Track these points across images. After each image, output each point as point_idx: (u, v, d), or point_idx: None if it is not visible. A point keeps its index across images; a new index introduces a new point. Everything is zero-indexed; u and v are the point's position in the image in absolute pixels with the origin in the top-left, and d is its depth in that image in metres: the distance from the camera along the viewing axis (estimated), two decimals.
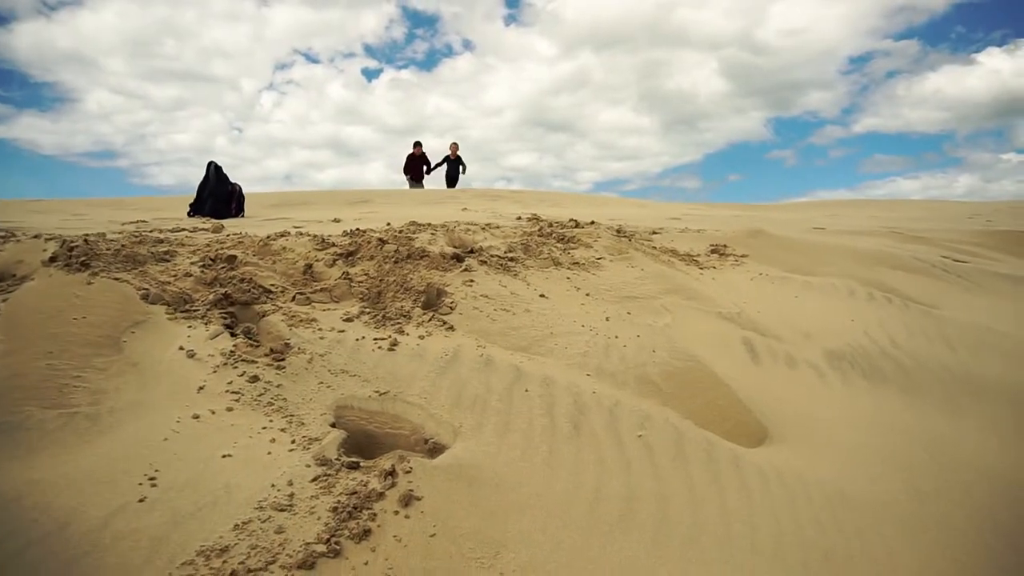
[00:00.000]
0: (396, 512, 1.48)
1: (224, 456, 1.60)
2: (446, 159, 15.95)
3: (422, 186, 15.72)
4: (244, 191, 7.38)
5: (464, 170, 16.02)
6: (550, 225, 4.29)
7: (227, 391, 1.88)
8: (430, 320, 2.55)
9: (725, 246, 4.46)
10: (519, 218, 5.34)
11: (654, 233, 4.72)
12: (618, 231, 4.27)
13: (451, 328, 2.52)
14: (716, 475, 1.88)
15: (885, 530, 1.84)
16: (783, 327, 3.12)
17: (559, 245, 3.63)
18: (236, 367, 2.00)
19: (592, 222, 4.51)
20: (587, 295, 3.04)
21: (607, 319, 2.78)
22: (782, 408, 2.41)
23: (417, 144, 15.51)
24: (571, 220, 4.54)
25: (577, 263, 3.39)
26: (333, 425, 1.84)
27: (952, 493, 2.08)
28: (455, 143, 16.15)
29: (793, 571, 1.61)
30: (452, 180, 16.25)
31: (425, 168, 15.59)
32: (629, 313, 2.92)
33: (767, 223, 6.70)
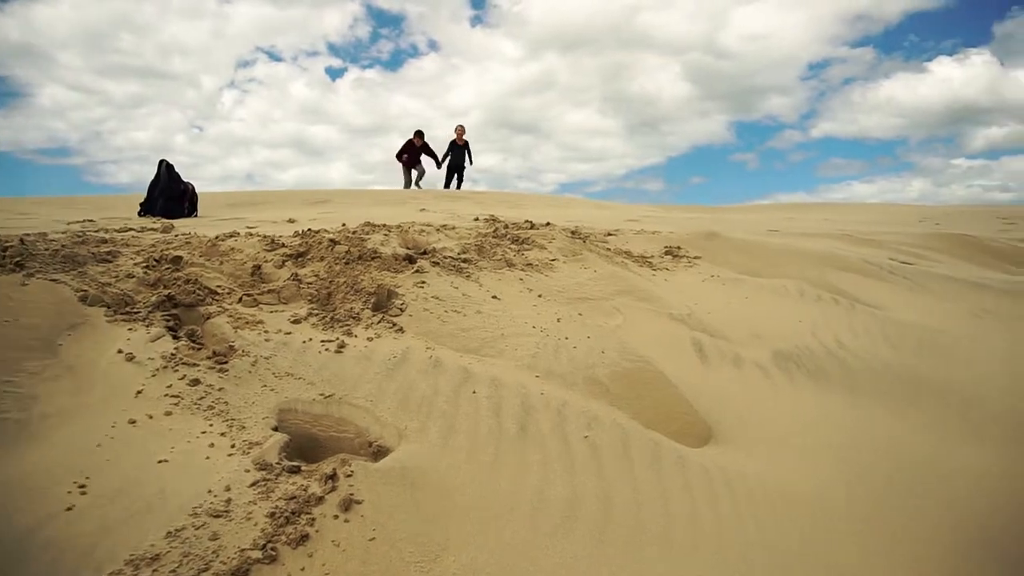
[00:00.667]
0: (336, 516, 1.47)
1: (160, 462, 1.57)
2: (452, 146, 14.14)
3: (420, 168, 14.22)
4: (198, 190, 7.24)
5: (471, 160, 14.28)
6: (505, 227, 4.29)
7: (166, 395, 1.84)
8: (379, 322, 2.53)
9: (679, 248, 4.52)
10: (477, 219, 5.33)
11: (609, 235, 4.76)
12: (573, 233, 4.30)
13: (401, 330, 2.51)
14: (660, 475, 1.90)
15: (824, 527, 1.88)
16: (732, 328, 3.18)
17: (513, 246, 3.64)
18: (177, 370, 1.95)
19: (547, 223, 4.53)
20: (539, 296, 3.05)
21: (558, 320, 2.80)
22: (728, 408, 2.45)
23: (419, 134, 14.01)
24: (526, 221, 4.55)
25: (531, 264, 3.40)
26: (276, 429, 1.81)
27: (890, 489, 2.13)
28: (461, 126, 14.19)
29: (734, 569, 1.64)
30: (457, 170, 14.34)
31: (434, 160, 14.08)
32: (580, 314, 2.94)
33: (722, 225, 6.82)
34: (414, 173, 14.65)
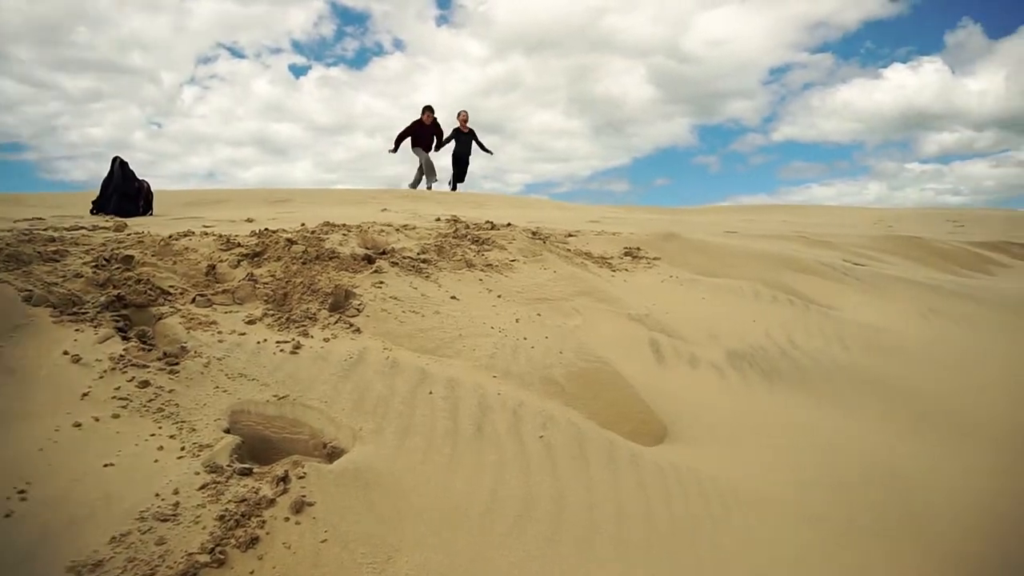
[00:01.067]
0: (287, 519, 1.45)
1: (106, 466, 1.53)
2: (455, 133, 12.38)
3: (429, 169, 12.20)
4: (156, 188, 7.08)
5: (484, 148, 12.63)
6: (466, 227, 4.29)
7: (114, 397, 1.80)
8: (336, 322, 2.51)
9: (638, 248, 4.57)
10: (438, 219, 5.31)
11: (570, 235, 4.79)
12: (534, 233, 4.32)
13: (358, 330, 2.49)
14: (615, 474, 1.92)
15: (772, 522, 1.92)
16: (689, 328, 3.22)
17: (473, 247, 3.64)
18: (125, 372, 1.91)
19: (508, 224, 4.54)
20: (499, 297, 3.05)
21: (517, 321, 2.81)
22: (683, 407, 2.48)
23: (428, 109, 11.98)
24: (487, 222, 4.56)
25: (490, 265, 3.40)
26: (228, 431, 1.79)
27: (838, 485, 2.19)
28: (464, 111, 12.44)
29: (685, 566, 1.67)
30: (462, 163, 12.66)
31: (436, 142, 12.24)
32: (539, 315, 2.95)
33: (682, 227, 6.90)
34: (419, 158, 12.43)
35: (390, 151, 12.32)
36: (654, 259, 4.43)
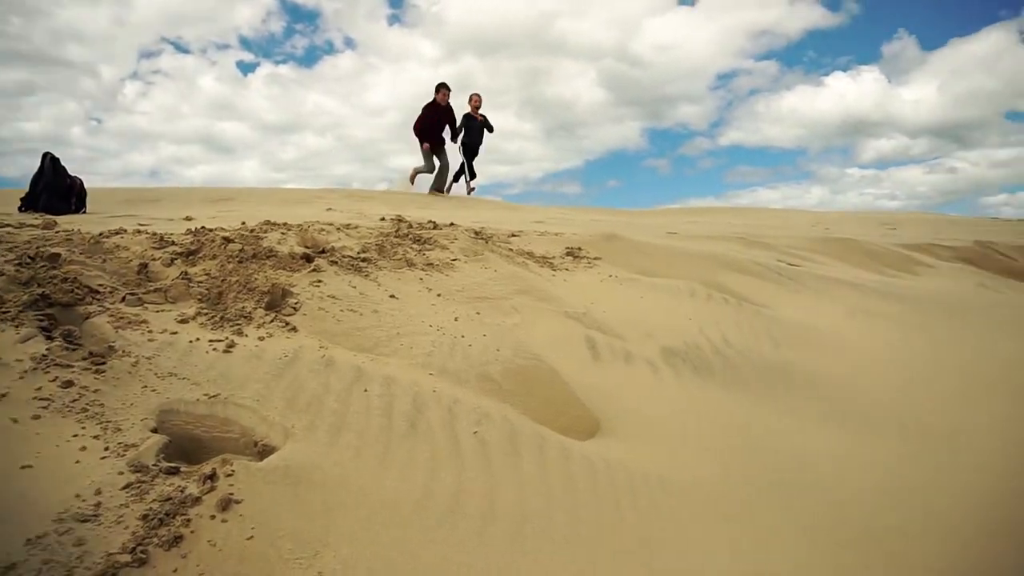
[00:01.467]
0: (213, 517, 1.45)
1: (24, 467, 1.50)
2: (467, 120, 10.94)
3: (445, 158, 10.75)
4: (93, 185, 6.87)
5: (491, 129, 11.25)
6: (409, 226, 4.29)
7: (35, 398, 1.75)
8: (272, 321, 2.49)
9: (580, 249, 4.65)
10: (383, 219, 5.29)
11: (513, 235, 4.84)
12: (476, 233, 4.35)
13: (294, 329, 2.48)
14: (545, 468, 1.97)
15: (698, 514, 1.99)
16: (625, 326, 3.30)
17: (415, 246, 3.65)
18: (48, 372, 1.87)
19: (451, 224, 4.56)
20: (439, 296, 3.07)
21: (456, 319, 2.83)
22: (616, 403, 2.54)
23: (444, 88, 10.25)
24: (429, 221, 4.57)
25: (431, 264, 3.42)
26: (155, 430, 1.76)
27: (762, 478, 2.28)
28: (478, 95, 10.90)
29: (612, 556, 1.72)
30: (472, 151, 11.27)
31: (450, 131, 10.75)
32: (479, 313, 2.98)
33: (625, 228, 7.02)
34: (436, 161, 10.92)
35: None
36: (595, 259, 4.50)
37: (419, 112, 10.56)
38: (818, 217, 19.14)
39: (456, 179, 11.63)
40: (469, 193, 11.33)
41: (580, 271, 4.20)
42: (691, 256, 5.09)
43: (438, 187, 11.07)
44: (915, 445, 2.75)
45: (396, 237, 3.76)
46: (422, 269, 3.32)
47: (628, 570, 1.69)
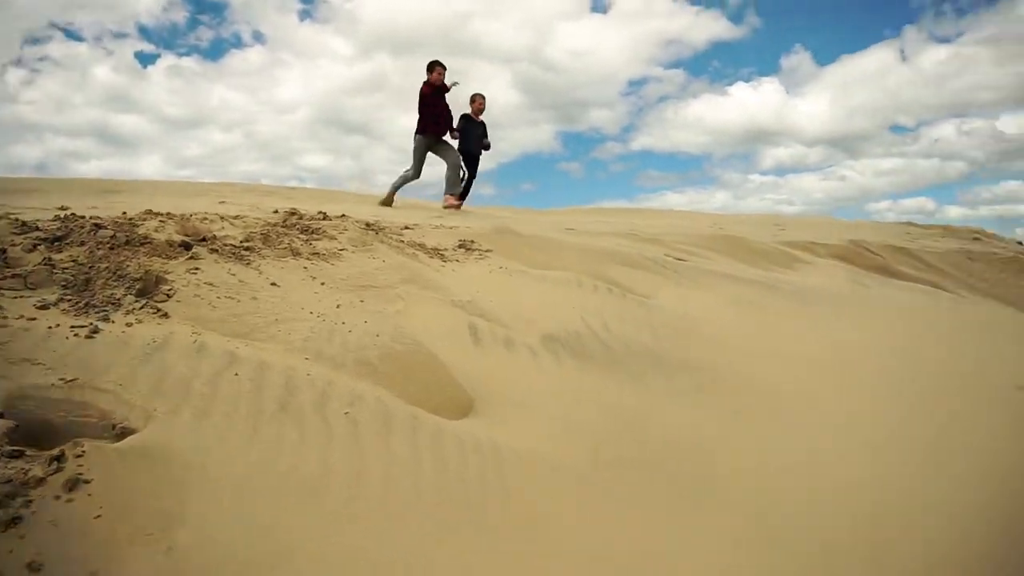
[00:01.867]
0: (58, 497, 1.42)
1: None
2: (466, 122, 8.76)
3: (455, 152, 8.52)
4: None
5: (487, 146, 9.00)
6: (299, 218, 4.24)
7: None
8: (142, 308, 2.43)
9: (472, 241, 4.72)
10: (276, 211, 5.20)
11: (407, 228, 4.86)
12: (368, 225, 4.35)
13: (166, 315, 2.43)
14: (416, 446, 2.02)
15: (565, 491, 2.08)
16: (510, 314, 3.39)
17: (302, 236, 3.62)
18: None
19: (343, 215, 4.54)
20: (322, 284, 3.07)
21: (338, 306, 2.84)
22: (493, 385, 2.63)
23: (436, 65, 8.23)
24: (320, 212, 4.53)
25: (317, 253, 3.40)
26: (1, 415, 1.71)
27: (630, 455, 2.41)
28: (481, 95, 8.87)
29: (477, 533, 1.79)
30: (472, 158, 8.88)
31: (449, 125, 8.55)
32: (362, 301, 3.00)
33: (526, 224, 7.16)
34: (448, 158, 8.57)
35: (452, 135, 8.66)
36: (487, 251, 4.59)
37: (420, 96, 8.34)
38: (717, 219, 20.00)
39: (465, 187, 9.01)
40: (457, 199, 8.77)
41: (471, 263, 4.28)
42: (582, 250, 5.26)
43: (452, 191, 8.69)
44: (782, 423, 2.96)
45: (283, 227, 3.72)
46: (307, 258, 3.31)
47: (494, 544, 1.76)
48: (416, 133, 8.39)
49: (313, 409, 2.03)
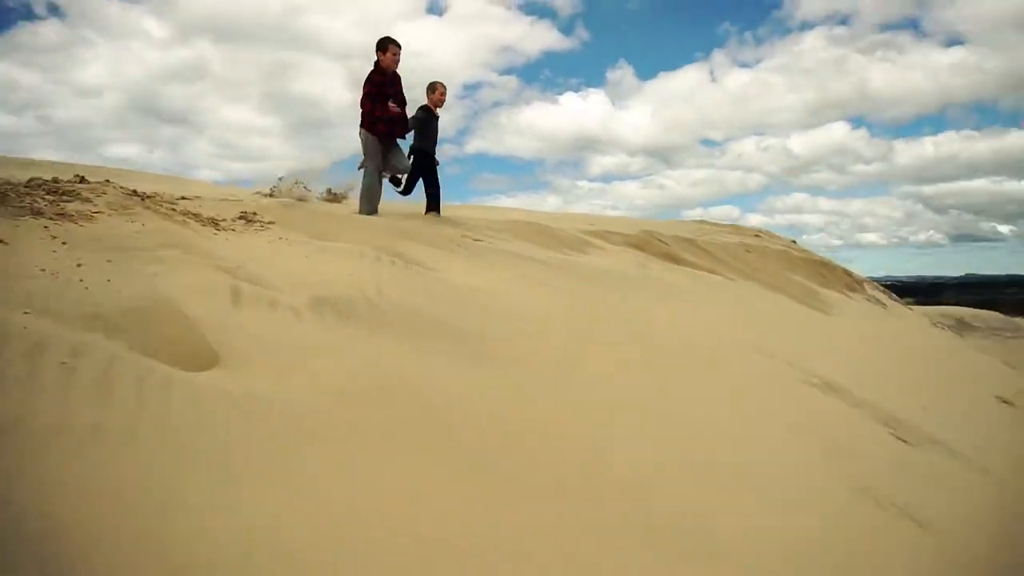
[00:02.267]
0: None
1: None
2: (423, 114, 6.98)
3: (403, 160, 6.85)
4: None
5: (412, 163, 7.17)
6: (55, 181, 3.90)
7: None
8: None
9: (255, 214, 4.60)
10: (33, 179, 4.73)
11: (183, 199, 4.63)
12: (133, 192, 4.09)
13: None
14: (142, 393, 1.96)
15: (310, 436, 2.12)
16: (281, 280, 3.36)
17: (49, 197, 3.34)
18: None
19: (106, 181, 4.23)
20: (63, 244, 2.86)
21: (79, 265, 2.67)
22: (249, 342, 2.60)
23: (390, 43, 6.42)
24: (76, 176, 4.19)
25: (64, 214, 3.16)
26: None
27: (382, 400, 2.50)
28: (442, 84, 7.14)
29: (220, 483, 1.78)
30: (426, 160, 7.16)
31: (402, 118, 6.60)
32: (110, 261, 2.83)
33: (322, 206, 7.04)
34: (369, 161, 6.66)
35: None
36: (269, 223, 4.49)
37: (364, 86, 6.58)
38: (539, 216, 20.83)
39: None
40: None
41: (249, 233, 4.17)
42: (374, 226, 5.30)
43: (402, 189, 7.41)
44: (547, 382, 3.20)
45: (25, 187, 3.41)
46: (50, 218, 3.06)
47: (222, 487, 1.76)
48: (362, 128, 6.57)
49: (24, 359, 1.91)
